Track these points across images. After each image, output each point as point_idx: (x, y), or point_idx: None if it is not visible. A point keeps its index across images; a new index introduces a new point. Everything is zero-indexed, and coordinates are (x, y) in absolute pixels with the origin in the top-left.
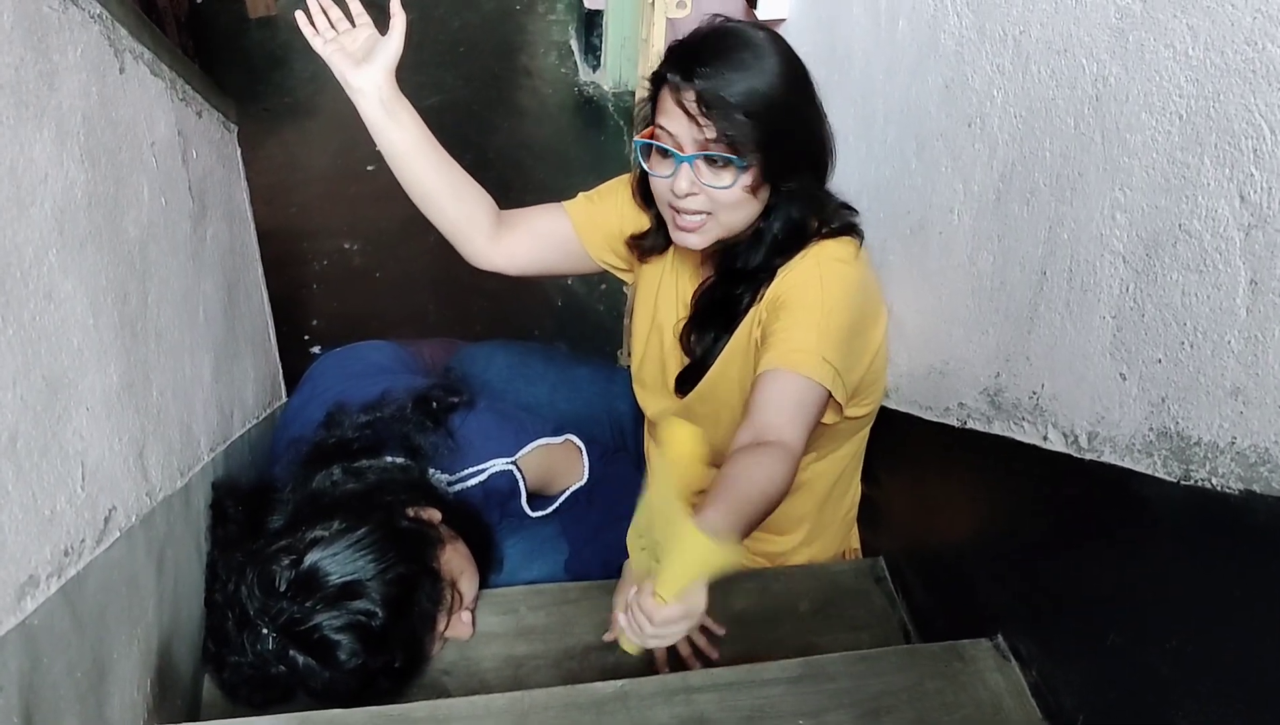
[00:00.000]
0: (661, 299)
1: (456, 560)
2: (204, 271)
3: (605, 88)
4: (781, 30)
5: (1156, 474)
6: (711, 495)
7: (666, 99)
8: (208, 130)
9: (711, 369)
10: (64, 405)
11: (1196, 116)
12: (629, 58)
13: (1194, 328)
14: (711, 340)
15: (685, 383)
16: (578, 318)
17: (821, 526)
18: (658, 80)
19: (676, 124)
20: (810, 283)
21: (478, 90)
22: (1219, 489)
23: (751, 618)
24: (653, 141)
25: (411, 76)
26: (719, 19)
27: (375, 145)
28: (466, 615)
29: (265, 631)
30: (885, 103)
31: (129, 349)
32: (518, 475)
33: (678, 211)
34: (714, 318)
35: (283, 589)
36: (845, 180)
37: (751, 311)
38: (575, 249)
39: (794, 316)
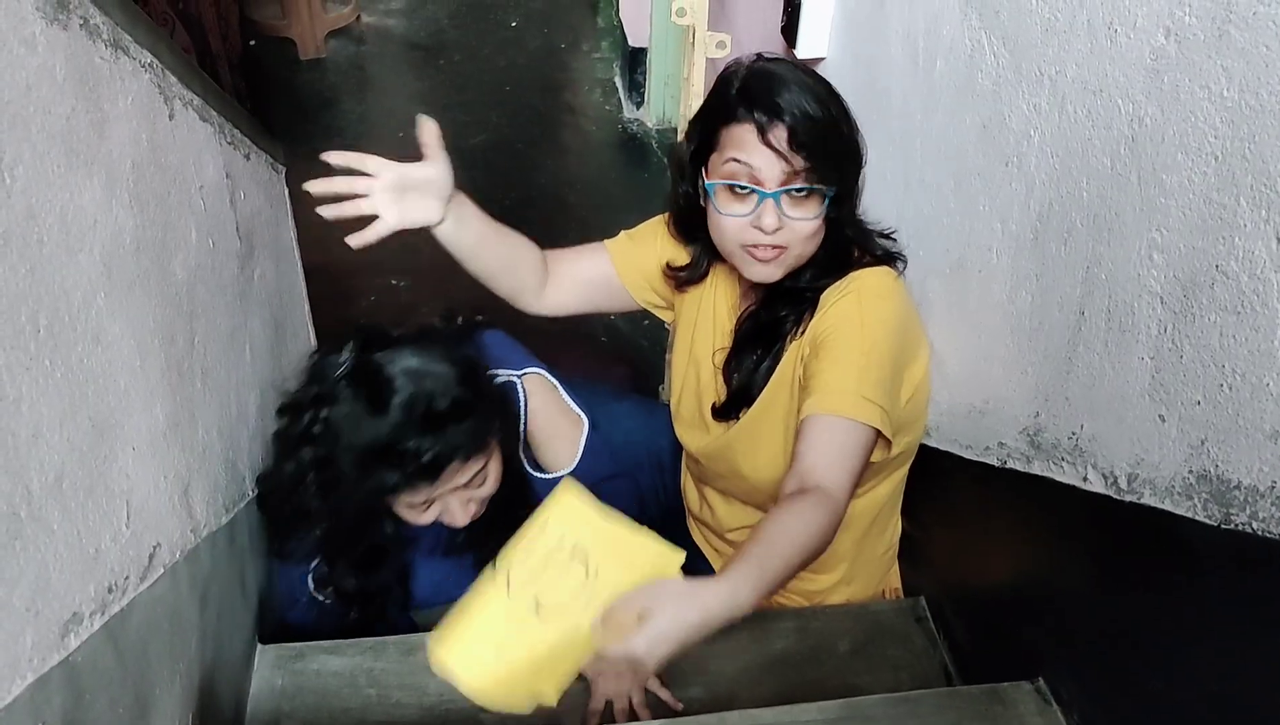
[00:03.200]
0: (699, 333)
1: (495, 462)
2: (251, 310)
3: (649, 125)
4: (820, 69)
5: (1197, 517)
6: (740, 552)
7: (745, 137)
8: (256, 172)
9: (755, 404)
10: (110, 446)
11: (1232, 158)
12: (672, 95)
13: (1232, 370)
14: (753, 364)
15: (723, 413)
16: (620, 353)
17: (860, 565)
18: (722, 119)
19: (760, 159)
20: (850, 322)
21: (522, 128)
22: (1260, 533)
23: (790, 657)
24: (732, 182)
25: (457, 115)
26: (758, 56)
27: None
28: (473, 507)
29: (336, 375)
30: (923, 141)
31: (175, 389)
32: (520, 393)
33: (753, 246)
34: (756, 341)
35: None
36: (884, 217)
37: (794, 346)
38: (617, 289)
39: (833, 357)
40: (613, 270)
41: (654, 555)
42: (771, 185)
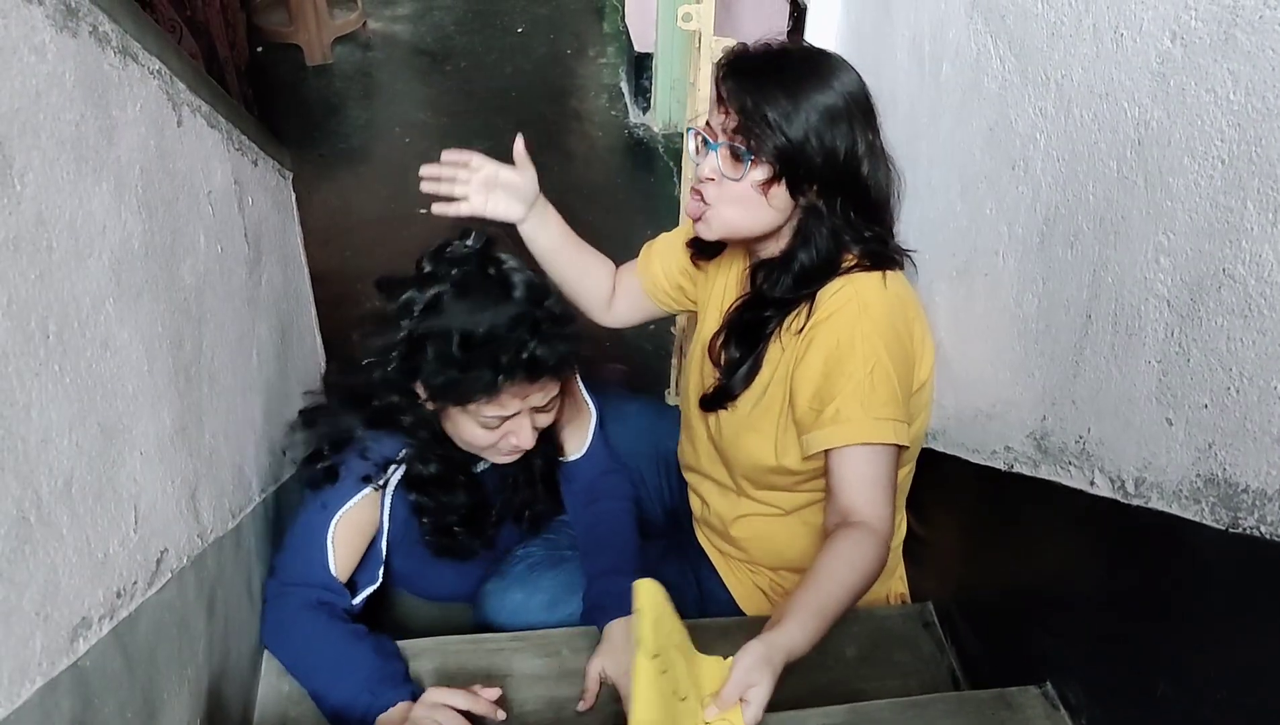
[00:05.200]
0: (708, 314)
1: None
2: (258, 316)
3: (655, 130)
4: None
5: (1204, 521)
6: (794, 601)
7: (715, 95)
8: (263, 178)
9: (748, 396)
10: (118, 450)
11: (1238, 161)
12: (678, 100)
13: (1240, 373)
14: (737, 360)
15: (710, 402)
16: (625, 357)
17: None
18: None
19: (713, 113)
20: (848, 340)
21: (528, 134)
22: (1268, 537)
23: (797, 663)
24: (699, 130)
25: (464, 122)
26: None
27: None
28: (535, 433)
29: (460, 255)
30: (929, 145)
31: (183, 394)
32: None
33: (692, 196)
34: (740, 337)
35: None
36: None
37: (791, 342)
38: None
39: (838, 384)
40: (639, 287)
41: (713, 667)
42: (719, 139)
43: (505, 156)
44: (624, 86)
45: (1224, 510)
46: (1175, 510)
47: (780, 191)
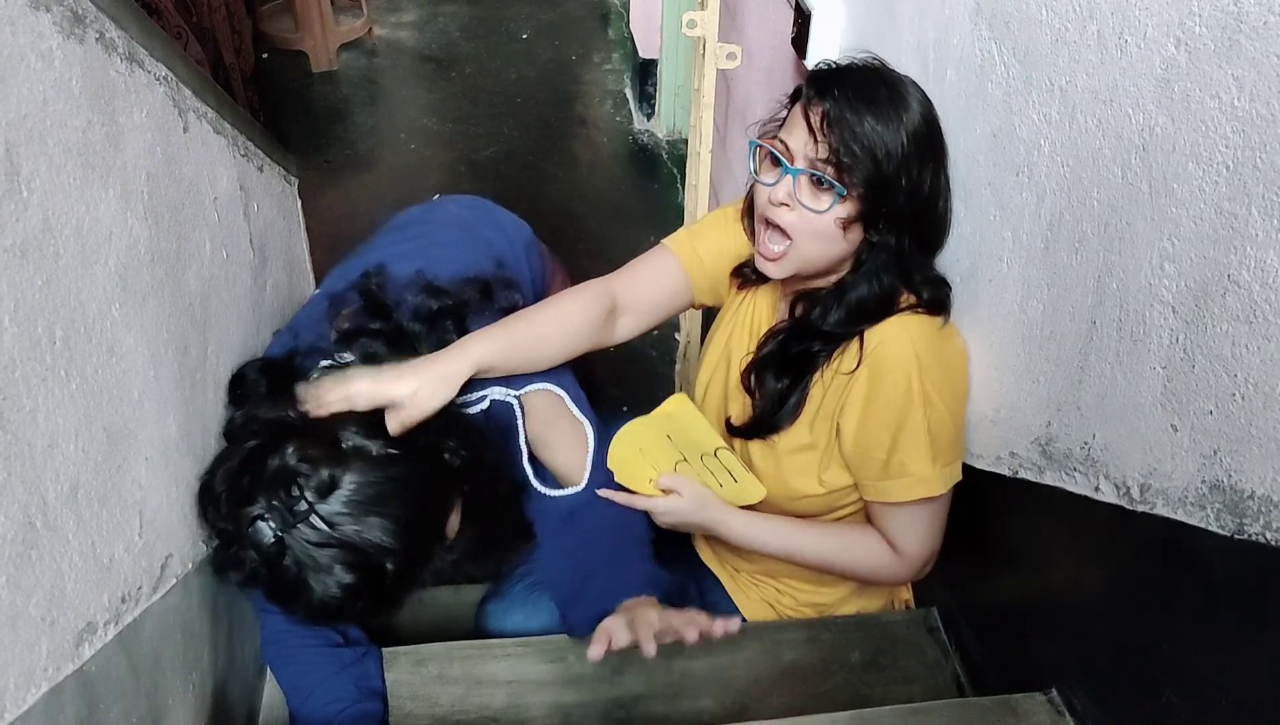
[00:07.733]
0: (736, 331)
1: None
2: (264, 321)
3: (659, 136)
4: None
5: (1210, 527)
6: (780, 520)
7: (795, 112)
8: (269, 184)
9: (786, 432)
10: (124, 456)
11: (1243, 167)
12: (683, 106)
13: (1245, 379)
14: (776, 392)
15: (742, 433)
16: (630, 364)
17: None
18: (794, 97)
19: (795, 137)
20: (913, 394)
21: (533, 140)
22: (1274, 544)
23: (801, 669)
24: (770, 145)
25: (469, 128)
26: (874, 58)
27: (433, 196)
28: None
29: (271, 526)
30: None
31: (188, 399)
32: (517, 411)
33: (766, 227)
34: (781, 367)
35: (306, 494)
36: None
37: (840, 383)
38: (681, 301)
39: (904, 439)
40: (681, 279)
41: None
42: (797, 162)
43: (510, 159)
44: (628, 93)
45: (1229, 516)
46: (1180, 516)
47: (857, 226)
